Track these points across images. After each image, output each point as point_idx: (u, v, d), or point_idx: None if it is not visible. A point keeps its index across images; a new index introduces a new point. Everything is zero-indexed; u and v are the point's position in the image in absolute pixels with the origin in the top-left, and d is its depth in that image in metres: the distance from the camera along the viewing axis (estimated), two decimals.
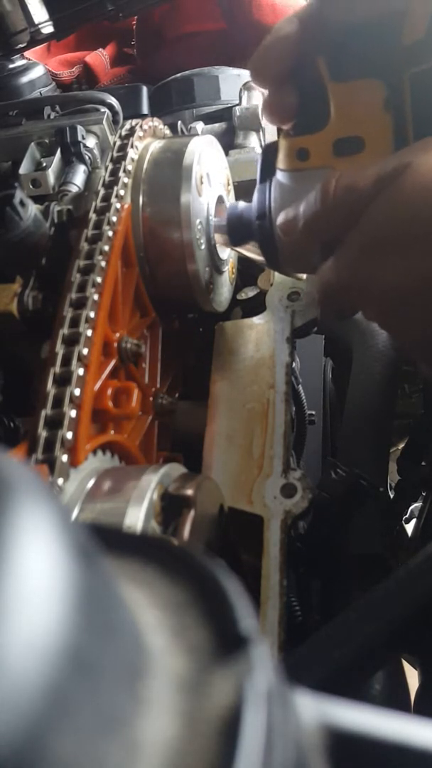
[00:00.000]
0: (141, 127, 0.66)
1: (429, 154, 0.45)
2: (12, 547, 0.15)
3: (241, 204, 0.63)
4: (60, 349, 0.50)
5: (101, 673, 0.16)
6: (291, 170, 0.54)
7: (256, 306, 0.71)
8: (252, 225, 0.58)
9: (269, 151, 0.57)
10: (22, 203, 0.58)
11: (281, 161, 0.55)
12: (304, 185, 0.52)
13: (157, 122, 0.70)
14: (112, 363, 0.55)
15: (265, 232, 0.56)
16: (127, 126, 0.66)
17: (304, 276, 0.65)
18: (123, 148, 0.63)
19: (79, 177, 0.70)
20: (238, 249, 0.65)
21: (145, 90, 0.97)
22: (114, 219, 0.57)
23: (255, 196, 0.58)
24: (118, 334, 0.56)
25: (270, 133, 0.86)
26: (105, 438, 0.51)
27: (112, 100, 0.80)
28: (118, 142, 0.64)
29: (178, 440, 0.66)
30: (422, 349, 0.52)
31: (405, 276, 0.46)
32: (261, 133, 0.85)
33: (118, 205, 0.58)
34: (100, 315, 0.52)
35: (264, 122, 0.83)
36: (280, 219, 0.54)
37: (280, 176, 0.55)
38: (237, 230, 0.62)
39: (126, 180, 0.61)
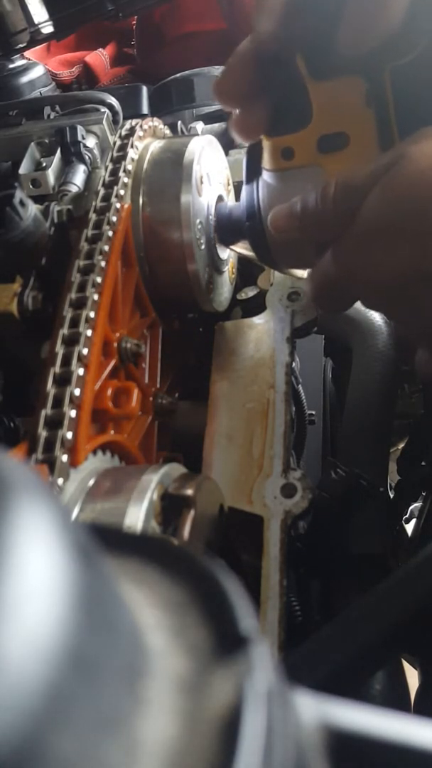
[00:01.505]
0: (141, 127, 0.66)
1: (421, 144, 0.45)
2: (12, 547, 0.15)
3: (230, 204, 0.63)
4: (60, 349, 0.50)
5: (101, 673, 0.16)
6: (277, 170, 0.54)
7: (256, 306, 0.70)
8: (242, 225, 0.58)
9: (254, 151, 0.57)
10: (22, 203, 0.58)
11: (266, 161, 0.54)
12: (292, 184, 0.52)
13: (157, 122, 0.70)
14: (112, 363, 0.54)
15: (256, 233, 0.57)
16: (127, 126, 0.66)
17: (305, 275, 0.65)
18: (123, 148, 0.63)
19: (79, 177, 0.70)
20: (232, 247, 0.65)
21: (145, 90, 0.97)
22: (114, 219, 0.57)
23: (243, 197, 0.58)
24: (118, 334, 0.56)
25: None
26: (105, 438, 0.51)
27: (112, 100, 0.80)
28: (118, 142, 0.64)
29: (178, 440, 0.66)
30: (426, 338, 0.52)
31: (404, 265, 0.46)
32: None
33: (118, 205, 0.58)
34: (100, 315, 0.52)
35: None
36: (271, 217, 0.54)
37: (266, 176, 0.55)
38: (227, 230, 0.63)
39: (126, 180, 0.61)
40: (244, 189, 0.58)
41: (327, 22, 0.46)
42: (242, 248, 0.63)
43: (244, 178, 0.58)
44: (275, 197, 0.54)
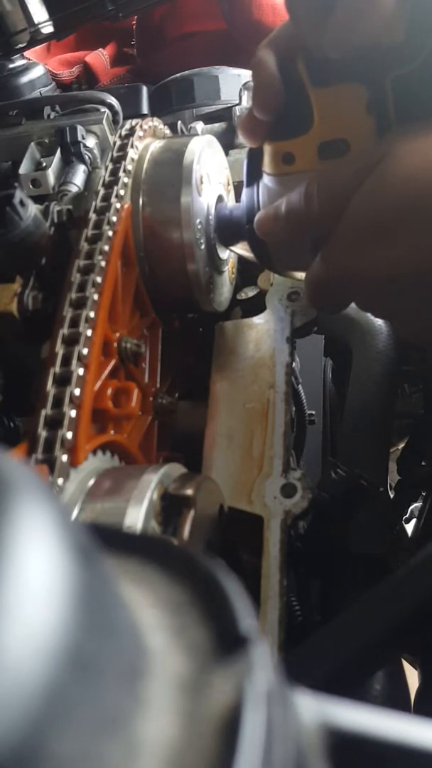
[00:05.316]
0: (141, 127, 0.66)
1: (405, 143, 0.45)
2: (12, 547, 0.15)
3: (230, 205, 0.63)
4: (60, 349, 0.50)
5: (101, 673, 0.16)
6: (277, 174, 0.54)
7: (256, 306, 0.71)
8: (242, 226, 0.59)
9: (254, 154, 0.57)
10: (22, 203, 0.58)
11: (267, 165, 0.55)
12: (292, 189, 0.52)
13: (157, 122, 0.70)
14: (112, 363, 0.55)
15: (256, 235, 0.57)
16: (127, 126, 0.66)
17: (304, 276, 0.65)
18: (123, 148, 0.63)
19: (79, 177, 0.70)
20: (232, 248, 0.65)
21: (145, 90, 0.97)
22: (114, 219, 0.57)
23: (243, 199, 0.58)
24: (118, 334, 0.56)
25: None
26: (105, 438, 0.51)
27: (112, 100, 0.80)
28: (118, 142, 0.64)
29: (178, 440, 0.66)
30: (423, 335, 0.52)
31: (394, 264, 0.46)
32: None
33: (118, 205, 0.58)
34: (100, 315, 0.52)
35: None
36: (257, 220, 0.54)
37: (267, 180, 0.55)
38: (227, 231, 0.64)
39: (126, 180, 0.61)
40: (245, 191, 0.58)
41: (324, 27, 0.46)
42: (242, 249, 0.63)
43: (244, 181, 0.58)
44: (275, 201, 0.54)
